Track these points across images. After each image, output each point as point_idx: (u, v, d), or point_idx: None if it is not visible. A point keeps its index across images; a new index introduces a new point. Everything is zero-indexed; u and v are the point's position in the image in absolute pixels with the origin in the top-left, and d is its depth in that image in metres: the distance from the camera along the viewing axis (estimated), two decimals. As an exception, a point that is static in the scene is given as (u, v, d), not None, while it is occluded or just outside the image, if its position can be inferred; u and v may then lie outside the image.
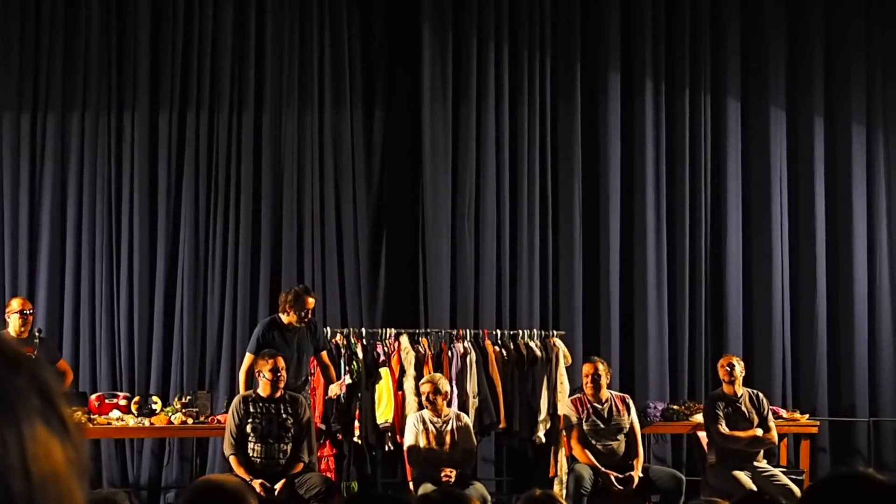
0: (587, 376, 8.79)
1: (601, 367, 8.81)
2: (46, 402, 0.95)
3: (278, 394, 8.22)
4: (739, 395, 8.94)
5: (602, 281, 11.19)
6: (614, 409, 8.75)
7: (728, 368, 8.98)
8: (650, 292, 11.14)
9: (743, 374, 9.05)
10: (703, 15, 11.53)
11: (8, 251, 10.68)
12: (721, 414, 8.81)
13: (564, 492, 8.61)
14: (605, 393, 8.82)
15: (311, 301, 8.95)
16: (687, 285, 11.26)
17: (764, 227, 11.40)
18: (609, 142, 11.27)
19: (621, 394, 9.06)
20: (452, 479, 8.18)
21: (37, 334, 9.04)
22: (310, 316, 8.99)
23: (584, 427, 8.68)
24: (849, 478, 2.39)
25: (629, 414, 8.78)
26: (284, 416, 8.16)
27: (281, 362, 8.22)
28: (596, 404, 8.74)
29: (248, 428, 8.11)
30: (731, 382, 8.94)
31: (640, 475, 8.51)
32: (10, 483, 0.89)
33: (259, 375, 8.24)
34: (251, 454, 8.10)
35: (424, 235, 10.97)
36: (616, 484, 8.42)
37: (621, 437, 8.70)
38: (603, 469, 8.46)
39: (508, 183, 11.15)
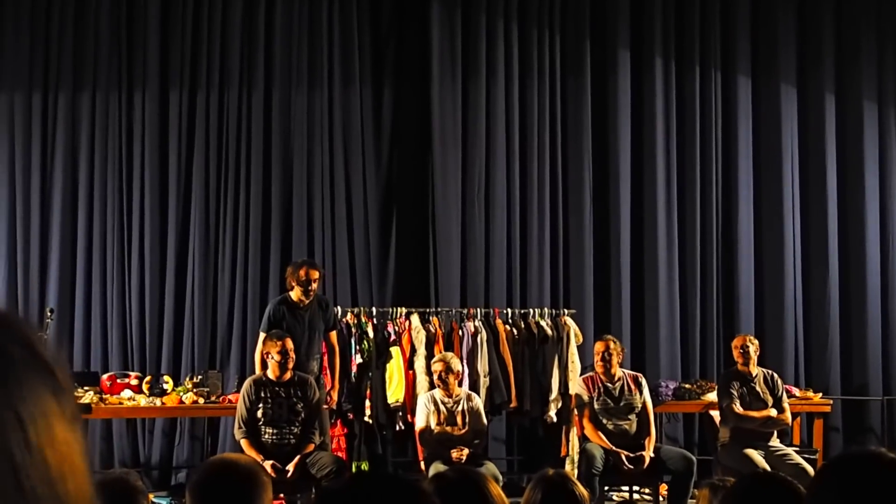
0: (598, 354, 8.75)
1: (612, 346, 8.75)
2: (29, 351, 0.93)
3: (287, 376, 8.18)
4: (754, 374, 8.91)
5: (613, 259, 11.16)
6: (626, 388, 8.70)
7: (742, 350, 8.94)
8: (661, 271, 11.11)
9: (757, 354, 9.01)
10: (713, -8, 11.50)
11: (20, 231, 10.68)
12: (735, 393, 8.78)
13: (576, 471, 8.58)
14: (618, 371, 8.77)
15: (313, 273, 8.84)
16: (698, 264, 11.23)
17: (775, 206, 11.36)
18: (619, 119, 11.23)
19: (634, 373, 8.99)
20: (464, 459, 8.17)
21: (48, 314, 9.10)
22: (313, 287, 8.86)
23: (595, 406, 8.65)
24: (861, 457, 2.37)
25: (641, 393, 8.72)
26: (294, 399, 8.13)
27: (289, 343, 8.17)
28: (608, 383, 8.70)
29: (259, 413, 8.09)
30: (746, 363, 8.91)
31: (651, 455, 8.46)
32: (6, 429, 0.87)
33: (268, 357, 8.19)
34: (262, 436, 8.09)
35: (434, 214, 10.95)
36: (626, 463, 8.39)
37: (633, 416, 8.64)
38: (614, 448, 8.42)
39: (518, 161, 11.12)
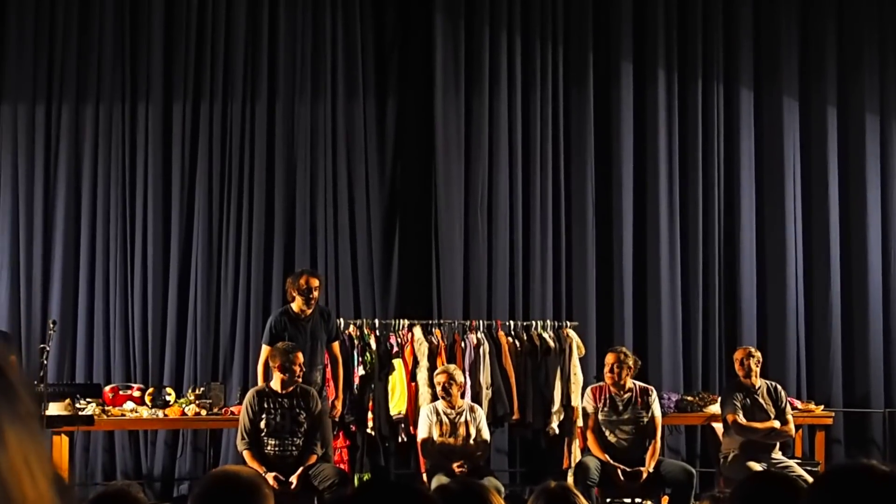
0: (608, 366, 8.69)
1: (623, 358, 8.67)
2: None
3: (291, 388, 8.17)
4: (757, 386, 8.89)
5: (615, 271, 11.16)
6: (634, 400, 8.64)
7: (742, 362, 8.92)
8: (663, 283, 11.11)
9: (760, 366, 8.99)
10: (715, 4, 11.50)
11: (23, 241, 10.69)
12: (738, 404, 8.76)
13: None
14: (629, 383, 8.71)
15: (313, 280, 8.82)
16: (700, 276, 11.23)
17: (777, 217, 11.37)
18: (622, 132, 11.24)
19: (646, 385, 8.87)
20: (466, 471, 8.15)
21: (51, 325, 9.15)
22: (314, 296, 8.83)
23: (599, 417, 8.63)
24: (853, 469, 2.37)
25: (649, 407, 8.65)
26: (297, 410, 8.12)
27: (300, 357, 8.15)
28: (615, 395, 8.66)
29: (262, 424, 8.08)
30: (748, 375, 8.90)
31: (650, 471, 8.41)
32: None
33: (276, 369, 8.17)
34: (265, 448, 8.07)
35: (437, 225, 10.95)
36: (621, 477, 8.35)
37: (635, 429, 8.59)
38: (611, 462, 8.38)
39: (521, 172, 11.13)
